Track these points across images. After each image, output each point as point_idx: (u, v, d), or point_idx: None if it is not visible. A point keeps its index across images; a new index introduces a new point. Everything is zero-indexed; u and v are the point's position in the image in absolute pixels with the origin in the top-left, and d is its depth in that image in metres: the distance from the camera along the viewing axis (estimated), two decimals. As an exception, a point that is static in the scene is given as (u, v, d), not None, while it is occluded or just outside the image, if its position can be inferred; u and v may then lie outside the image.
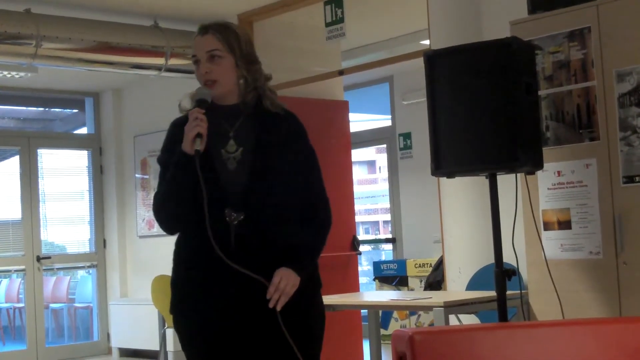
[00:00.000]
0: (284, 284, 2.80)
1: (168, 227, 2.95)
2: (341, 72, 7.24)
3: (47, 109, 10.98)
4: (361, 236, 12.90)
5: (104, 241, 9.94)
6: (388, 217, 10.55)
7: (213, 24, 2.99)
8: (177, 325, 2.96)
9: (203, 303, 2.87)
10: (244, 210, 2.82)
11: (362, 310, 7.32)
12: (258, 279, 2.79)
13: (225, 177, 2.85)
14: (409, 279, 9.11)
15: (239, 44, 2.95)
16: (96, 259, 9.91)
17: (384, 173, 10.83)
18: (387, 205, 10.45)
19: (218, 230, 2.78)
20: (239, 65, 2.94)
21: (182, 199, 2.84)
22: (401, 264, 9.27)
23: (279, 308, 2.80)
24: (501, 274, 3.88)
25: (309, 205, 2.97)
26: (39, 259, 9.39)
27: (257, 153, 2.88)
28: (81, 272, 10.81)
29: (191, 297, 2.91)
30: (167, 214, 2.92)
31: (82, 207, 10.07)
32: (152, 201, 2.97)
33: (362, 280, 9.80)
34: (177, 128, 2.97)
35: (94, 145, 10.06)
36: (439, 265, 7.56)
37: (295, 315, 2.84)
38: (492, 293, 4.01)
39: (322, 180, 3.02)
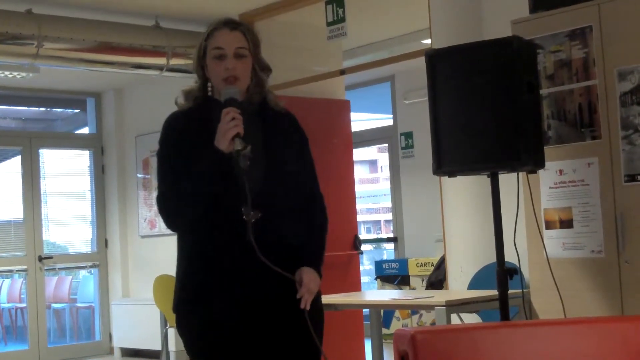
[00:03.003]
0: (313, 284, 2.83)
1: (181, 225, 2.92)
2: (342, 72, 7.24)
3: (48, 109, 10.99)
4: (363, 235, 12.90)
5: (106, 241, 9.94)
6: (390, 216, 10.56)
7: (240, 22, 3.02)
8: (184, 323, 2.93)
9: (217, 301, 2.85)
10: (261, 208, 2.80)
11: (363, 310, 7.32)
12: (289, 277, 2.81)
13: (239, 176, 2.79)
14: (411, 278, 9.11)
15: (259, 48, 2.98)
16: (98, 258, 9.92)
17: (386, 172, 10.84)
18: (389, 204, 10.46)
19: (235, 228, 2.78)
20: (254, 67, 2.96)
21: (209, 198, 2.81)
22: (403, 263, 9.27)
23: (308, 307, 2.82)
24: (503, 273, 3.88)
25: (313, 204, 2.99)
26: (40, 259, 9.40)
27: (268, 151, 2.89)
28: (83, 272, 10.82)
29: (203, 296, 2.87)
30: (185, 213, 2.87)
31: (84, 207, 10.08)
32: (154, 200, 2.94)
33: (364, 279, 9.81)
34: (175, 121, 2.95)
35: (96, 145, 10.07)
36: (441, 264, 7.56)
37: (301, 311, 2.84)
38: (494, 292, 4.01)
39: (317, 180, 3.05)
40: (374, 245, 12.40)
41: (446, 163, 4.00)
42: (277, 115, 2.99)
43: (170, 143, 2.92)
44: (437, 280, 7.71)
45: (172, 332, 7.73)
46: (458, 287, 5.55)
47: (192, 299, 2.90)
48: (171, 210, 2.88)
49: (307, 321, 2.81)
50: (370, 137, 10.81)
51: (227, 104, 2.82)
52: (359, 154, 10.64)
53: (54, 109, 10.98)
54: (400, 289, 9.11)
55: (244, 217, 2.77)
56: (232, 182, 2.77)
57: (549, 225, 4.42)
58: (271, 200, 2.85)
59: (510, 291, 3.90)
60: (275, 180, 2.88)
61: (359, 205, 9.02)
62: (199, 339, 2.90)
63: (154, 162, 9.40)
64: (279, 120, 2.99)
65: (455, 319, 4.97)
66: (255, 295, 2.84)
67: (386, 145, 10.64)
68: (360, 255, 7.80)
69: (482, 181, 4.39)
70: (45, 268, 9.51)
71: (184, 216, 2.87)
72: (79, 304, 10.78)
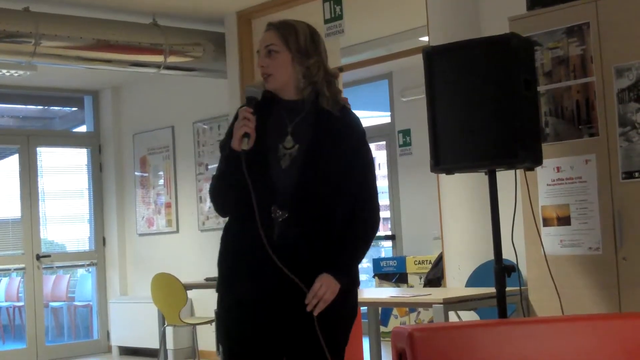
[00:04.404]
0: (323, 291, 2.85)
1: (218, 211, 3.10)
2: (340, 69, 7.22)
3: (46, 107, 10.98)
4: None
5: (104, 239, 9.93)
6: (387, 214, 10.54)
7: (277, 21, 3.07)
8: (220, 304, 3.05)
9: (243, 292, 2.94)
10: (290, 208, 2.88)
11: (361, 308, 7.32)
12: (298, 283, 2.84)
13: (276, 175, 2.92)
14: (409, 275, 9.10)
15: (296, 40, 3.00)
16: (96, 257, 9.91)
17: (384, 170, 10.81)
18: (387, 202, 10.44)
19: (263, 225, 2.84)
20: (295, 60, 3.00)
21: (229, 191, 2.96)
22: (401, 260, 9.26)
23: (315, 313, 2.85)
24: (501, 271, 3.88)
25: (357, 209, 2.98)
26: (38, 257, 9.39)
27: (309, 152, 2.93)
28: (81, 271, 10.81)
29: (233, 283, 2.99)
30: (217, 201, 3.05)
31: (82, 205, 10.07)
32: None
33: (362, 277, 9.77)
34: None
35: (94, 143, 10.06)
36: (439, 262, 7.56)
37: (326, 312, 2.88)
38: (492, 289, 4.01)
39: (373, 183, 3.05)
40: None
41: (444, 160, 4.00)
42: (329, 115, 2.99)
43: (230, 132, 3.02)
44: (435, 277, 7.71)
45: (169, 331, 7.73)
46: (456, 284, 5.56)
47: (221, 284, 3.04)
48: (210, 196, 3.07)
49: (316, 326, 2.84)
50: (367, 135, 10.70)
51: (246, 103, 2.96)
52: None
53: (51, 107, 10.97)
54: (398, 286, 9.10)
55: (272, 215, 2.87)
56: (261, 179, 2.87)
57: (546, 222, 4.42)
58: (303, 202, 2.90)
59: (508, 288, 3.90)
60: (311, 183, 2.91)
61: (357, 203, 8.99)
62: (224, 321, 3.03)
63: (151, 160, 9.45)
64: (329, 121, 2.99)
65: (453, 317, 4.97)
66: (280, 291, 2.88)
67: (384, 142, 10.62)
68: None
69: (479, 178, 4.39)
70: (43, 266, 9.50)
71: (216, 204, 3.06)
72: (76, 303, 10.77)
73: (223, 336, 3.04)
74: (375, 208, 3.04)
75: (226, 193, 2.98)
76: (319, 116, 2.99)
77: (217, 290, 3.06)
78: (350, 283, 2.99)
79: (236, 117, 3.00)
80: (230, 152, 2.91)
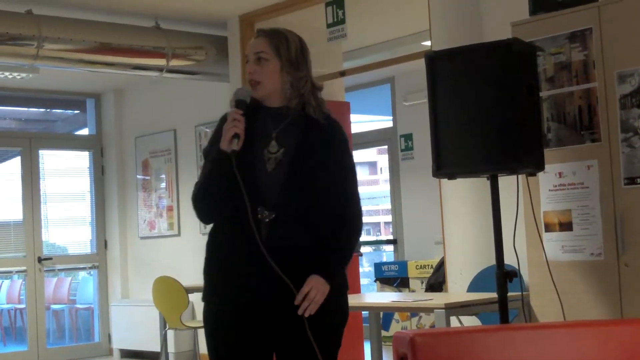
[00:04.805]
0: (314, 293, 2.88)
1: (202, 217, 3.08)
2: (342, 73, 7.24)
3: (48, 110, 10.99)
4: (362, 237, 12.86)
5: (105, 242, 9.94)
6: (389, 218, 10.55)
7: (268, 29, 3.09)
8: (208, 311, 3.03)
9: (234, 294, 2.95)
10: (276, 209, 2.90)
11: (363, 312, 7.32)
12: (289, 285, 2.85)
13: (262, 177, 2.94)
14: (410, 280, 9.10)
15: (287, 49, 3.03)
16: (97, 260, 9.91)
17: (385, 174, 10.82)
18: (388, 206, 10.45)
19: (250, 227, 2.86)
20: (284, 70, 3.02)
21: (216, 193, 2.96)
22: (402, 265, 9.26)
23: (307, 314, 2.87)
24: (502, 276, 3.88)
25: (341, 213, 3.02)
26: (40, 260, 9.39)
27: (295, 157, 2.96)
28: (82, 273, 10.82)
29: (223, 287, 2.98)
30: (201, 206, 3.04)
31: (84, 208, 10.07)
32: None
33: (363, 281, 9.79)
34: (224, 119, 3.05)
35: (96, 146, 10.06)
36: (440, 266, 7.56)
37: (317, 314, 2.89)
38: (493, 295, 4.01)
39: (355, 188, 3.09)
40: (373, 247, 12.37)
41: (446, 165, 4.00)
42: (315, 124, 3.04)
43: (214, 139, 3.03)
44: (436, 282, 7.71)
45: (171, 334, 7.72)
46: (457, 289, 5.55)
47: (207, 291, 3.03)
48: (193, 201, 3.05)
49: (306, 327, 2.86)
50: (370, 139, 10.79)
51: (235, 105, 2.97)
52: (358, 155, 10.62)
53: (53, 110, 10.98)
54: (400, 291, 9.09)
55: (259, 216, 2.89)
56: (247, 181, 2.88)
57: (548, 227, 4.42)
58: (289, 204, 2.92)
59: (509, 294, 3.90)
60: (297, 185, 2.94)
61: (359, 207, 8.97)
62: (211, 328, 3.01)
63: (153, 164, 9.46)
64: (316, 129, 3.03)
65: (454, 322, 4.97)
66: (271, 292, 2.90)
67: (386, 147, 10.62)
68: (359, 257, 7.78)
69: (481, 183, 4.38)
70: (45, 269, 9.51)
71: (200, 210, 3.05)
72: (78, 305, 10.77)
73: (216, 339, 3.02)
74: (358, 211, 3.08)
75: (213, 196, 2.98)
76: (304, 122, 3.03)
77: (204, 299, 3.05)
78: (340, 284, 3.01)
79: (221, 122, 3.02)
80: (217, 153, 2.93)
